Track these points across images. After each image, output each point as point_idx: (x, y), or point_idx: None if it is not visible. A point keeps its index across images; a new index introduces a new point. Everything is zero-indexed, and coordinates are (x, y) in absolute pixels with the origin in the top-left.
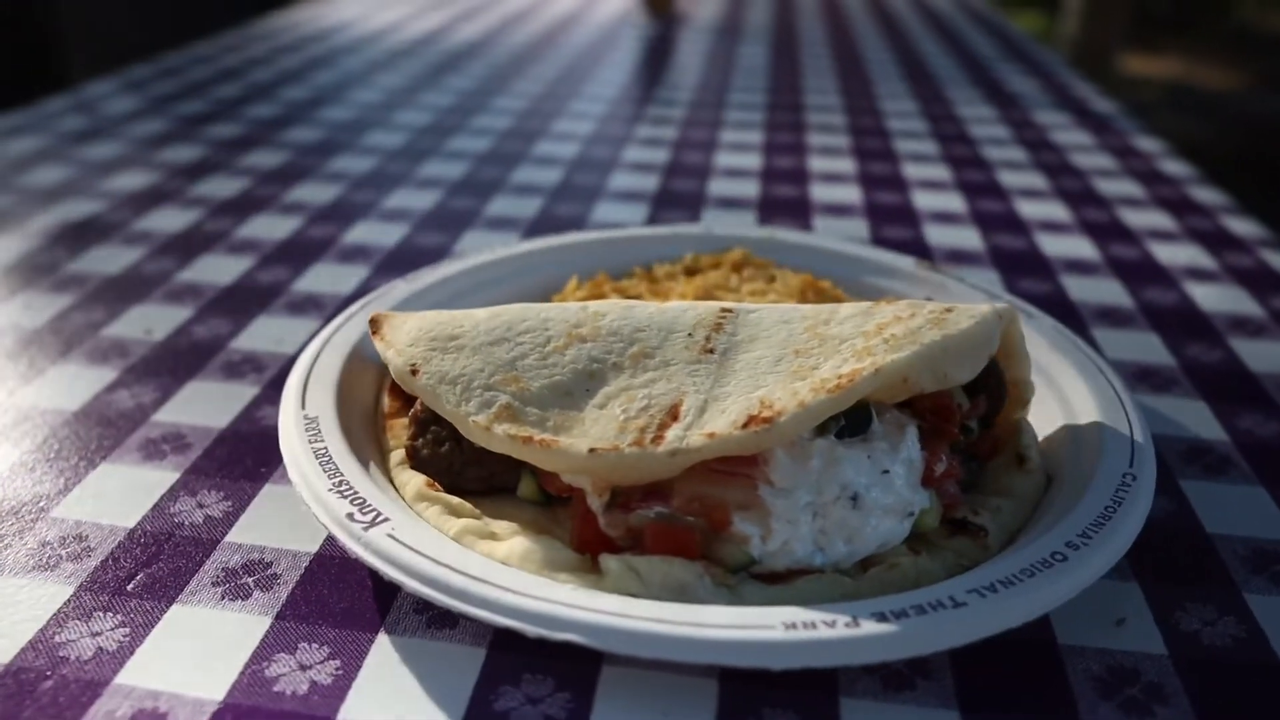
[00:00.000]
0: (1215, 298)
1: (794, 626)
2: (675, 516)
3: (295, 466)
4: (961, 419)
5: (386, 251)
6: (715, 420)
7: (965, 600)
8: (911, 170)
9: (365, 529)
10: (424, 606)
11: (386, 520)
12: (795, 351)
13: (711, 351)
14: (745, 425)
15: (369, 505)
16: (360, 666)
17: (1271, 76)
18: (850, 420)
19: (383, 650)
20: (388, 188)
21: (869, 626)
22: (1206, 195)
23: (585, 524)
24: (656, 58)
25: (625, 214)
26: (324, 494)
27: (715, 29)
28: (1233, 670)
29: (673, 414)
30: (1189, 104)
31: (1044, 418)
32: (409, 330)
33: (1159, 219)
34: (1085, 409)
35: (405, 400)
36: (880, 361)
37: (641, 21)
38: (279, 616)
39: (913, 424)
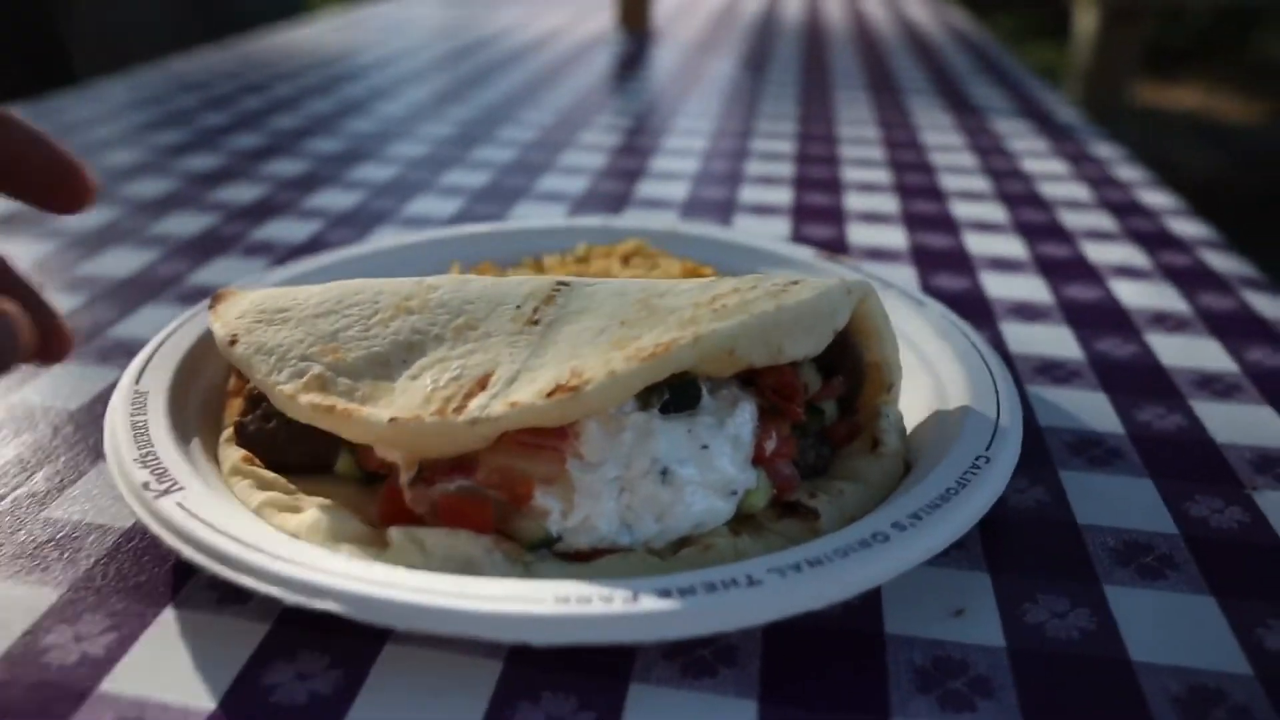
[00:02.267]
0: (1141, 294)
1: (566, 600)
2: (474, 489)
3: (111, 438)
4: (812, 400)
5: None
6: (523, 390)
7: (762, 579)
8: (850, 174)
9: (156, 497)
10: (216, 584)
11: (180, 490)
12: (621, 322)
13: (537, 323)
14: (551, 394)
15: (168, 475)
16: (136, 640)
17: None
18: (676, 394)
19: (164, 625)
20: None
21: (648, 603)
22: (1155, 196)
23: (390, 498)
24: (627, 70)
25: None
26: (128, 464)
27: (691, 44)
28: (1073, 663)
29: (481, 384)
30: (1207, 136)
31: (920, 405)
32: (243, 304)
33: (1100, 220)
34: (957, 395)
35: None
36: (701, 330)
37: (617, 36)
38: (72, 588)
39: (749, 400)
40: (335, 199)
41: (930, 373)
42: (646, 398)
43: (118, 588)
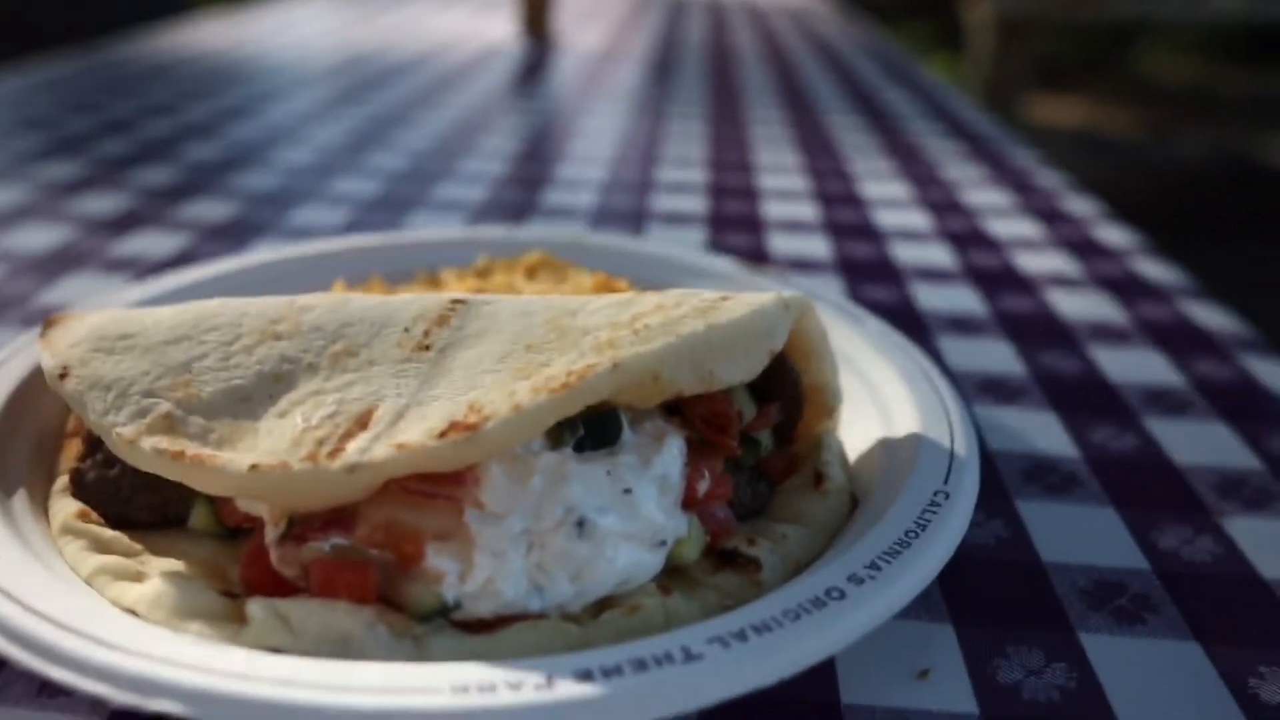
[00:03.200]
0: (1078, 305)
1: (464, 690)
2: (354, 549)
3: None
4: (746, 430)
5: None
6: (411, 428)
7: (701, 652)
8: (768, 181)
9: None
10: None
11: None
12: (527, 346)
13: (428, 349)
14: (444, 434)
15: None
16: None
17: (1169, 124)
18: (592, 430)
19: None
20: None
21: (565, 689)
22: (1078, 206)
23: (254, 560)
24: (530, 77)
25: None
26: None
27: (594, 53)
28: None
29: (361, 422)
30: (1095, 150)
31: (863, 433)
32: (80, 330)
33: (1025, 228)
34: (905, 421)
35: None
36: (621, 355)
37: (519, 43)
38: None
39: (677, 435)
40: (210, 209)
41: (873, 396)
42: (558, 435)
43: None
